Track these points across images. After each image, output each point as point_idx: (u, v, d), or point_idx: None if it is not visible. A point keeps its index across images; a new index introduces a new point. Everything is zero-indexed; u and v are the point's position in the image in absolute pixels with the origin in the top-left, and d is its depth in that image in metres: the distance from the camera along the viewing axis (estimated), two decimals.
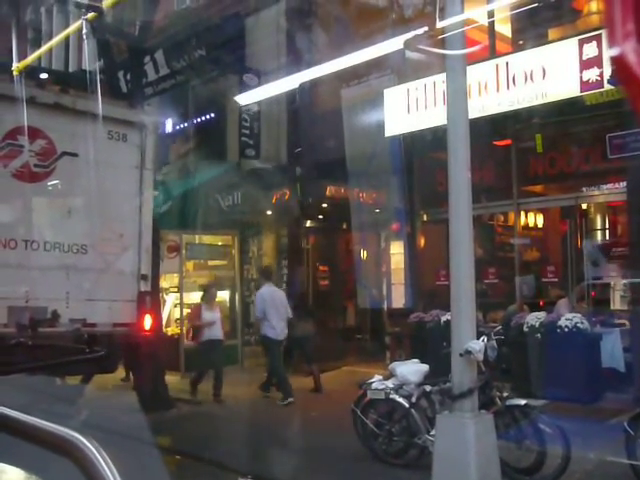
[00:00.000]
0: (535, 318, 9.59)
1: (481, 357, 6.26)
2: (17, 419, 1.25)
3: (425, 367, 7.35)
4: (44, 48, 8.98)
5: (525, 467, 6.39)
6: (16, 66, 8.03)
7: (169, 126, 16.19)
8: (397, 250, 13.03)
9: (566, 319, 9.31)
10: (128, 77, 12.67)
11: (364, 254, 13.56)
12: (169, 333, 13.48)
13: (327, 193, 13.78)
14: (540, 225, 13.34)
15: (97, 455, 1.06)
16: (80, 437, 1.09)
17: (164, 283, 13.67)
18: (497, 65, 10.20)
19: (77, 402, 6.99)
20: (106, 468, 1.04)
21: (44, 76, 10.68)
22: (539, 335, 9.37)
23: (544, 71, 9.53)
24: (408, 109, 11.36)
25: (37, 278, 7.58)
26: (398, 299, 12.90)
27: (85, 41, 10.29)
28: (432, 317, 11.08)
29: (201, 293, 12.26)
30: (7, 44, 9.59)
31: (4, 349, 4.97)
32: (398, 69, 11.76)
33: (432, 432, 6.69)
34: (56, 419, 1.22)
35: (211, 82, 15.13)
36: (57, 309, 7.49)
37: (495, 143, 11.46)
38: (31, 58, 8.40)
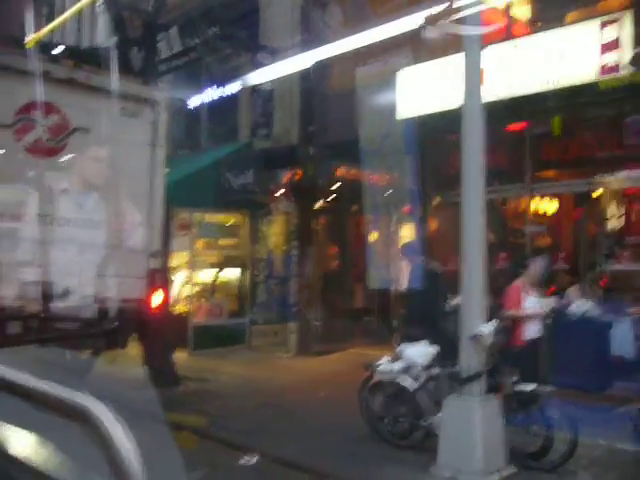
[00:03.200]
0: (545, 304, 9.53)
1: (490, 341, 6.27)
2: (29, 385, 1.25)
3: (433, 349, 7.35)
4: (57, 21, 8.93)
5: (532, 452, 6.40)
6: (29, 39, 7.99)
7: (182, 103, 16.14)
8: (408, 233, 12.99)
9: (576, 306, 9.28)
10: (141, 54, 12.61)
11: (375, 236, 13.52)
12: (178, 311, 13.53)
13: (338, 174, 13.74)
14: (552, 211, 13.24)
15: (112, 421, 1.05)
16: (95, 403, 1.08)
17: (174, 261, 13.69)
18: (513, 47, 10.09)
19: (87, 375, 7.04)
20: (122, 435, 1.03)
21: (58, 51, 10.64)
22: (549, 321, 9.33)
23: (562, 54, 9.41)
24: (421, 91, 11.27)
25: (49, 252, 7.60)
26: (406, 281, 12.86)
27: (99, 17, 10.25)
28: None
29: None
30: (21, 20, 9.54)
31: (17, 321, 5.01)
32: (415, 48, 11.66)
33: (438, 415, 6.71)
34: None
35: (224, 60, 15.07)
36: (69, 284, 7.51)
37: (509, 127, 11.36)
38: (44, 31, 8.34)
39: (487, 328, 6.26)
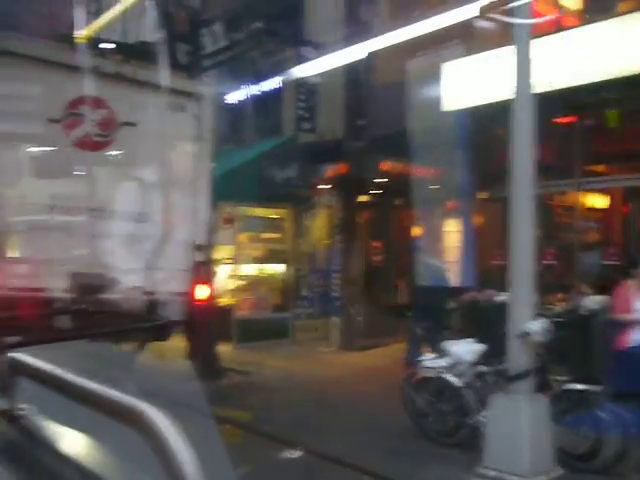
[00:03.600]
0: (595, 302, 9.34)
1: (539, 339, 6.15)
2: (82, 386, 1.24)
3: (480, 347, 7.25)
4: (106, 17, 9.05)
5: (580, 453, 6.25)
6: (78, 35, 8.11)
7: (227, 98, 16.21)
8: (453, 228, 12.86)
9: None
10: (187, 49, 12.69)
11: (420, 231, 13.40)
12: (222, 304, 13.61)
13: (383, 167, 13.65)
14: (602, 206, 12.97)
15: (167, 427, 1.03)
16: (149, 408, 1.06)
17: (218, 254, 13.77)
18: (564, 39, 9.88)
19: (132, 368, 7.09)
20: (176, 440, 1.01)
21: (106, 46, 10.77)
22: (599, 319, 9.14)
23: (613, 45, 9.19)
24: (467, 83, 11.12)
25: (98, 245, 7.70)
26: (452, 278, 12.74)
27: (146, 12, 10.33)
28: (486, 297, 10.89)
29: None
30: (69, 17, 9.68)
31: (65, 315, 5.07)
32: (466, 40, 11.50)
33: (484, 413, 6.62)
34: (113, 385, 1.21)
35: (269, 54, 15.07)
36: (117, 276, 7.59)
37: (558, 120, 11.15)
38: (94, 27, 8.45)
39: (536, 325, 6.14)
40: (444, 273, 11.11)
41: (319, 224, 14.62)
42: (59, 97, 7.59)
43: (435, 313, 9.89)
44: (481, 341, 7.37)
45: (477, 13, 5.49)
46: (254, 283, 14.24)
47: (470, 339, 7.52)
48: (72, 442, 1.59)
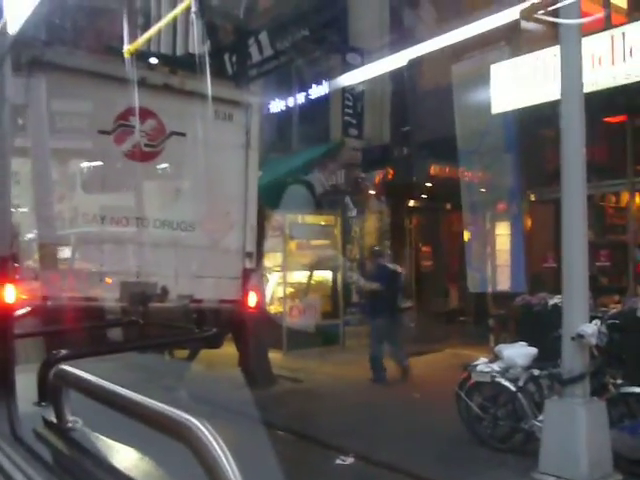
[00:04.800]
0: None
1: (594, 341, 6.03)
2: (133, 400, 1.25)
3: (533, 350, 7.12)
4: (153, 29, 9.22)
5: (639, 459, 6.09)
6: (127, 49, 8.27)
7: (273, 106, 16.33)
8: (502, 231, 12.70)
9: None
10: (233, 59, 12.83)
11: (470, 235, 13.28)
12: (272, 311, 13.66)
13: (431, 172, 13.57)
14: None
15: (213, 441, 1.03)
16: (196, 421, 1.07)
17: (268, 262, 13.83)
18: (612, 37, 9.70)
19: (184, 377, 7.18)
20: (222, 455, 1.01)
21: (154, 60, 10.95)
22: None
23: None
24: (517, 84, 10.99)
25: (147, 254, 7.82)
26: (503, 281, 12.58)
27: (193, 24, 10.47)
28: (539, 300, 10.73)
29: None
30: (119, 31, 9.89)
31: (117, 327, 5.17)
32: (512, 41, 11.39)
33: (540, 417, 6.50)
34: (166, 395, 1.21)
35: (314, 62, 15.14)
36: (166, 285, 7.70)
37: (609, 119, 10.94)
38: (141, 40, 8.61)
39: (590, 328, 6.02)
40: (398, 274, 11.57)
41: (368, 230, 14.59)
42: (109, 109, 7.75)
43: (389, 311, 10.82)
44: (535, 345, 7.24)
45: (518, 15, 5.40)
46: (304, 290, 14.25)
47: (523, 342, 7.39)
48: (119, 455, 1.61)
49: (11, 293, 2.22)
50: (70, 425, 1.58)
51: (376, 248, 12.76)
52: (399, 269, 11.69)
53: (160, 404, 1.14)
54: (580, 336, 5.96)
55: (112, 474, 1.37)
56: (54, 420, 1.60)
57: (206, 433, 1.03)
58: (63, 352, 1.60)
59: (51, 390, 1.58)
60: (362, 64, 13.13)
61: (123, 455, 1.63)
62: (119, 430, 1.57)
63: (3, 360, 1.60)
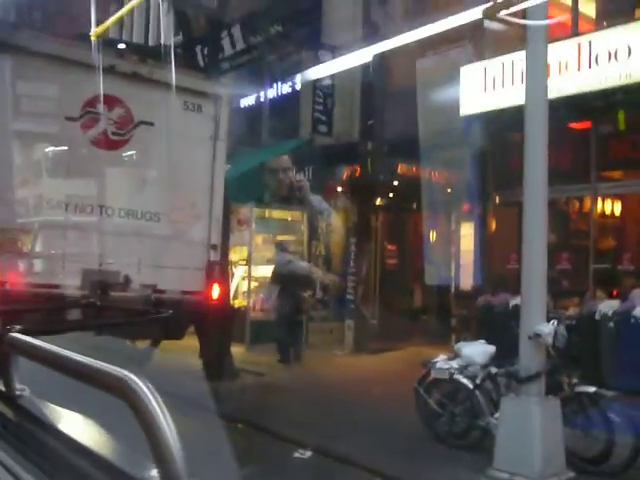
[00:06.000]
0: (608, 306, 9.31)
1: (550, 341, 6.13)
2: (71, 358, 1.26)
3: (491, 348, 7.23)
4: (121, 12, 9.14)
5: (592, 456, 6.21)
6: (94, 31, 8.17)
7: (244, 100, 16.29)
8: (467, 231, 12.82)
9: None
10: (205, 51, 12.78)
11: (433, 234, 13.39)
12: (236, 305, 13.64)
13: (398, 171, 13.65)
14: (617, 212, 12.89)
15: (151, 397, 1.05)
16: (135, 378, 1.09)
17: (233, 256, 13.81)
18: (579, 44, 9.85)
19: (146, 365, 7.11)
20: (159, 411, 1.04)
21: (122, 46, 10.85)
22: (612, 324, 9.10)
23: (630, 50, 9.15)
24: (485, 88, 11.11)
25: (110, 243, 7.77)
26: (466, 281, 12.71)
27: (164, 15, 10.41)
28: (500, 301, 10.88)
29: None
30: (90, 17, 9.77)
31: (76, 309, 5.13)
32: (475, 40, 11.51)
33: (496, 415, 6.59)
34: None
35: (286, 58, 15.12)
36: (129, 274, 7.65)
37: (574, 125, 11.11)
38: (109, 22, 8.49)
39: (547, 328, 6.12)
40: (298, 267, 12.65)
41: (334, 227, 14.63)
42: (77, 96, 7.67)
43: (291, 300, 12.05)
44: (495, 344, 7.34)
45: (480, 15, 5.46)
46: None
47: (482, 341, 7.50)
48: (67, 420, 1.62)
49: None
50: (18, 393, 1.59)
51: (279, 241, 13.50)
52: (302, 263, 12.95)
53: (101, 363, 1.16)
54: (537, 335, 6.06)
55: (59, 439, 1.39)
56: (2, 388, 1.60)
57: (142, 387, 1.05)
58: (16, 327, 1.61)
59: (0, 360, 1.59)
60: (333, 59, 13.15)
61: (70, 420, 1.64)
62: (68, 398, 1.59)
63: None
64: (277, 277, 12.50)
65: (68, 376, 1.24)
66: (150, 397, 1.04)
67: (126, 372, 1.09)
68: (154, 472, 1.02)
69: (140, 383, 1.06)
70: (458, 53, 11.69)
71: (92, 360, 1.18)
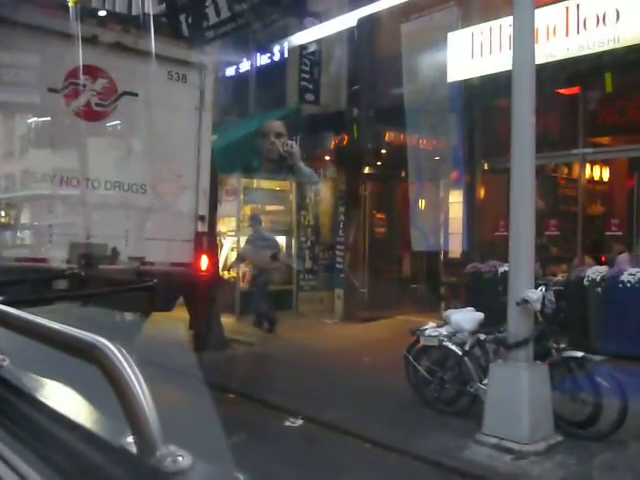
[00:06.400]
0: (596, 272, 9.36)
1: (538, 307, 6.16)
2: (44, 325, 1.24)
3: (480, 315, 7.26)
4: None
5: (579, 420, 6.27)
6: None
7: (230, 70, 16.13)
8: (456, 199, 12.81)
9: (629, 274, 9.06)
10: (190, 20, 12.60)
11: (422, 202, 13.37)
12: (225, 276, 13.63)
13: (386, 139, 13.59)
14: (606, 178, 12.91)
15: (124, 363, 1.04)
16: (108, 343, 1.07)
17: (222, 227, 13.77)
18: (567, 8, 9.77)
19: (136, 337, 7.13)
20: (133, 377, 1.02)
21: (103, 13, 10.67)
22: (599, 289, 9.15)
23: (618, 13, 9.09)
24: (472, 54, 11.02)
25: (97, 216, 7.72)
26: (455, 249, 12.73)
27: None
28: (489, 268, 10.92)
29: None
30: None
31: (62, 279, 5.11)
32: (462, 2, 11.40)
33: (485, 381, 6.64)
34: None
35: (272, 26, 14.94)
36: (117, 246, 7.62)
37: (562, 91, 11.05)
38: None
39: (535, 294, 6.14)
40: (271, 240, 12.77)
41: (322, 196, 14.60)
42: (59, 67, 7.56)
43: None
44: (484, 311, 7.37)
45: None
46: None
47: (470, 308, 7.53)
48: (46, 388, 1.62)
49: None
50: None
51: (253, 215, 13.48)
52: (272, 236, 12.95)
53: (74, 329, 1.14)
54: (525, 301, 6.09)
55: (38, 408, 1.38)
56: None
57: (115, 352, 1.04)
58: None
59: None
60: (320, 27, 13.00)
61: (50, 389, 1.64)
62: (48, 367, 1.58)
63: None
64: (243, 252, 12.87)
65: (43, 344, 1.22)
66: (124, 362, 1.02)
67: (99, 338, 1.07)
68: (130, 439, 1.01)
69: (113, 348, 1.04)
70: (444, 16, 11.57)
71: (65, 326, 1.16)
